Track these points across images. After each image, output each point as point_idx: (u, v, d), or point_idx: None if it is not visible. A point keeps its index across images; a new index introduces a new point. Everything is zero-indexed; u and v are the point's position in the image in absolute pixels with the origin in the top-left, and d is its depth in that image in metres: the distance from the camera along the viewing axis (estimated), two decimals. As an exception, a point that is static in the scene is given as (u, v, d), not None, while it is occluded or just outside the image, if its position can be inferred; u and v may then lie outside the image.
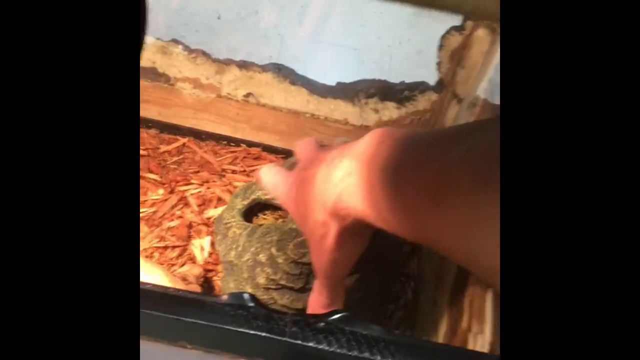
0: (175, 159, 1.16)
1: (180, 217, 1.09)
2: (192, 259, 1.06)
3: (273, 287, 0.89)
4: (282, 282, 0.87)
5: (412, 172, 0.59)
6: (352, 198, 0.65)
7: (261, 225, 0.92)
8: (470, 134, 0.56)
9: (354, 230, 0.68)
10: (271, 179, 0.90)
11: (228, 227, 0.96)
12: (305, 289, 0.88)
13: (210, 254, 1.07)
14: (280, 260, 0.87)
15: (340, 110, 1.25)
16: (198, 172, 1.16)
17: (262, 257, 0.89)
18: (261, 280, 0.89)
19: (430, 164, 0.58)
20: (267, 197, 1.06)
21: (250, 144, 1.21)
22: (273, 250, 0.88)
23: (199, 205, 1.11)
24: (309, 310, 0.80)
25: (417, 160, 0.60)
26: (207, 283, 1.04)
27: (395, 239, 1.00)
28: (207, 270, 1.05)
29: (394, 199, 0.60)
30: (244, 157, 1.20)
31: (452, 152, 0.56)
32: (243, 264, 0.91)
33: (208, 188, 1.13)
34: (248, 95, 1.24)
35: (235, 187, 1.17)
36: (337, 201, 0.67)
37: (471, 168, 0.52)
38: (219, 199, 1.13)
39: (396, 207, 0.60)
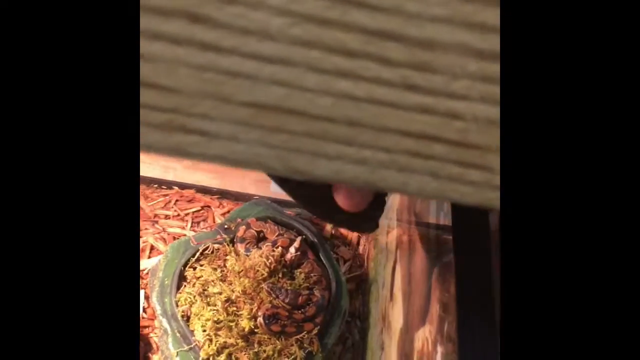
0: (103, 206, 1.09)
1: (112, 270, 1.03)
2: (127, 316, 1.00)
3: None
4: None
5: None
6: None
7: None
8: None
9: None
10: None
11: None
12: None
13: (145, 309, 1.01)
14: None
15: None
16: (128, 220, 1.09)
17: None
18: None
19: None
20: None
21: (183, 186, 1.15)
22: None
23: (131, 257, 1.05)
24: None
25: None
26: (143, 342, 0.98)
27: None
28: (143, 327, 1.00)
29: None
30: (177, 200, 1.14)
31: None
32: None
33: (140, 237, 1.07)
34: (178, 133, 1.18)
35: (169, 233, 1.11)
36: None
37: None
38: (152, 248, 1.07)
39: None
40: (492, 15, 0.18)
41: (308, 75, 0.19)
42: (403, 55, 0.19)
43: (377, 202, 0.64)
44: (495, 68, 0.19)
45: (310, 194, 0.57)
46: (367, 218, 0.69)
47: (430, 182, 0.22)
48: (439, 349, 0.74)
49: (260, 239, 1.05)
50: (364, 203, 0.60)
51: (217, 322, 0.95)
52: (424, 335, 0.81)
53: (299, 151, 0.22)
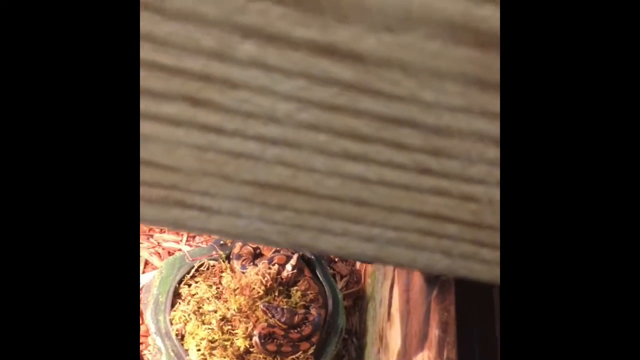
0: (97, 220, 1.08)
1: (105, 286, 1.01)
2: (120, 333, 0.99)
3: None
4: None
5: None
6: None
7: None
8: None
9: None
10: None
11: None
12: None
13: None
14: None
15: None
16: (123, 234, 1.08)
17: None
18: None
19: None
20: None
21: (179, 200, 1.13)
22: None
23: (126, 272, 1.03)
24: None
25: None
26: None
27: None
28: (137, 344, 0.98)
29: None
30: (173, 215, 1.12)
31: None
32: None
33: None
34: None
35: (164, 248, 1.10)
36: None
37: None
38: (147, 263, 1.05)
39: None
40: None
41: (315, 158, 0.18)
42: (418, 141, 0.17)
43: None
44: (515, 154, 0.18)
45: None
46: None
47: (441, 260, 0.21)
48: (438, 376, 0.73)
49: (256, 255, 1.04)
50: None
51: (212, 341, 0.94)
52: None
53: (303, 227, 0.21)
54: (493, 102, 0.17)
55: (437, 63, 0.15)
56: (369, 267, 1.16)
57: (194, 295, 0.98)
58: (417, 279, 0.91)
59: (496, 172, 0.18)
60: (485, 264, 0.21)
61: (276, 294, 0.98)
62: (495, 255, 0.21)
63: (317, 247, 0.21)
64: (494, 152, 0.18)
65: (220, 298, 0.98)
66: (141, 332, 1.00)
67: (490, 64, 0.16)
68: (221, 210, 0.20)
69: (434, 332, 0.77)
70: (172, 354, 0.93)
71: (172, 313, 0.96)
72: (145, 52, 0.16)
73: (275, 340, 0.94)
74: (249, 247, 1.03)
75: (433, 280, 0.84)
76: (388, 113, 0.17)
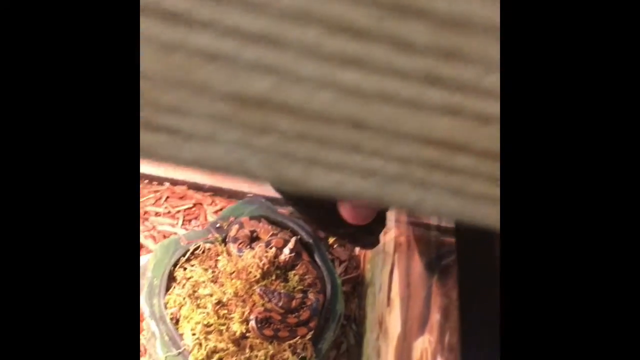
0: (91, 202, 1.05)
1: (98, 268, 0.99)
2: (113, 317, 0.96)
3: None
4: None
5: None
6: None
7: None
8: None
9: None
10: None
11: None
12: None
13: (133, 310, 0.97)
14: None
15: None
16: (117, 216, 1.05)
17: None
18: None
19: None
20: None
21: (175, 182, 1.11)
22: None
23: (119, 255, 1.01)
24: None
25: None
26: (129, 344, 0.94)
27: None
28: (130, 329, 0.95)
29: None
30: (168, 197, 1.10)
31: None
32: None
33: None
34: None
35: (159, 231, 1.07)
36: None
37: None
38: (142, 247, 1.03)
39: None
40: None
41: (303, 61, 0.15)
42: (425, 37, 0.14)
43: (380, 215, 0.58)
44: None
45: (312, 204, 0.51)
46: (369, 232, 0.64)
47: (450, 201, 0.18)
48: (439, 360, 0.70)
49: (253, 239, 1.01)
50: (371, 216, 0.53)
51: (207, 325, 0.91)
52: (423, 345, 0.77)
53: (291, 157, 0.18)
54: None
55: None
56: (369, 253, 1.14)
57: (189, 278, 0.95)
58: (418, 263, 0.88)
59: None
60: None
61: (273, 277, 0.96)
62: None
63: (307, 184, 0.18)
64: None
65: (216, 282, 0.95)
66: (134, 316, 0.97)
67: None
68: (195, 134, 0.17)
69: (435, 316, 0.74)
70: (166, 338, 0.91)
71: (167, 297, 0.94)
72: None
73: (272, 324, 0.91)
74: (245, 230, 1.00)
75: (434, 264, 0.81)
76: (390, -2, 0.14)
